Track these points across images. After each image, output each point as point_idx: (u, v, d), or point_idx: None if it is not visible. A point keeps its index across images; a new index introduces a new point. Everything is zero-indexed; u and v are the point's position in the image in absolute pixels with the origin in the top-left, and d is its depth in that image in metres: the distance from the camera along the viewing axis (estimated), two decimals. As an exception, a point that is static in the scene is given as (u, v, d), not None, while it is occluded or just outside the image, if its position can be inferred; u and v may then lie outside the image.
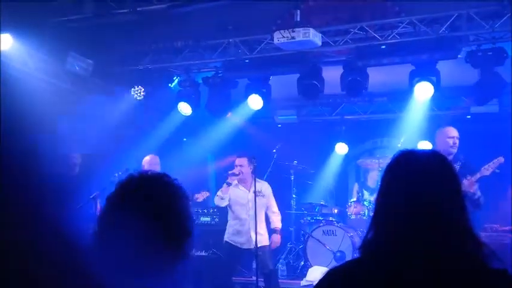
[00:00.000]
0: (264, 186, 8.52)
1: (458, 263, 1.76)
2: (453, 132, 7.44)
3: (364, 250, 1.93)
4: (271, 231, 8.56)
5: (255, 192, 7.93)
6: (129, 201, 1.95)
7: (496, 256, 1.80)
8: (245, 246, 8.42)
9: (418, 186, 1.88)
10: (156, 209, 1.92)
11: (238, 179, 8.40)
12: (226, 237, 8.56)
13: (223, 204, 8.42)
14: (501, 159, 7.00)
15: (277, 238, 8.51)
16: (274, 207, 8.64)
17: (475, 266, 1.78)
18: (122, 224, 1.84)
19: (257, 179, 8.31)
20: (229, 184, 8.35)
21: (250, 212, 8.17)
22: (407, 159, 1.99)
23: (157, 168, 8.41)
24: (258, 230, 8.08)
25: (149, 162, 8.53)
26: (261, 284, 9.06)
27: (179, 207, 2.00)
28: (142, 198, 1.95)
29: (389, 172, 1.99)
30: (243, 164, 8.34)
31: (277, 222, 8.56)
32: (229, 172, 8.40)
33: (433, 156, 2.00)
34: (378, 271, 1.79)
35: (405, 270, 1.76)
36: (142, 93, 9.79)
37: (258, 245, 7.97)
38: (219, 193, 8.44)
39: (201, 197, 8.76)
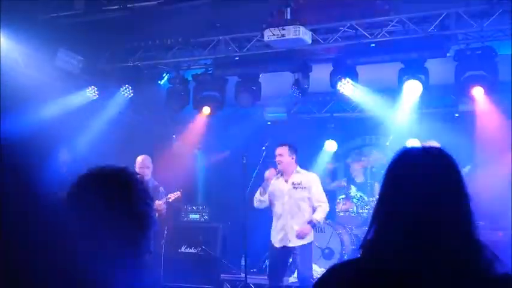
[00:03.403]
0: (306, 177, 7.83)
1: (460, 267, 1.73)
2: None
3: (365, 250, 1.87)
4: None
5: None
6: (87, 193, 1.95)
7: (499, 259, 1.76)
8: (282, 244, 7.72)
9: (420, 187, 1.82)
10: (113, 200, 1.92)
11: (280, 170, 7.79)
12: (270, 236, 7.90)
13: (263, 205, 7.88)
14: None
15: (306, 228, 7.64)
16: (319, 197, 7.81)
17: (477, 271, 1.74)
18: (79, 214, 1.85)
19: (300, 170, 7.86)
20: (266, 186, 7.82)
21: (286, 206, 7.70)
22: (409, 157, 1.93)
23: (149, 169, 8.38)
24: (293, 227, 7.65)
25: (141, 162, 8.45)
26: (250, 281, 9.09)
27: (136, 200, 2.00)
28: (100, 189, 1.95)
29: (391, 171, 1.92)
30: (282, 153, 7.71)
31: (316, 213, 7.70)
32: (266, 174, 7.87)
33: (437, 154, 1.92)
34: (379, 273, 1.76)
35: (406, 274, 1.72)
36: (130, 91, 9.79)
37: (293, 245, 7.62)
38: (257, 195, 7.91)
39: (172, 196, 8.72)
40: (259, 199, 7.87)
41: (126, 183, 2.01)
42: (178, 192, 8.83)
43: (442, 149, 1.96)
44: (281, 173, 7.85)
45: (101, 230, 1.77)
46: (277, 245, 7.78)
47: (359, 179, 11.15)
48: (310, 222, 7.75)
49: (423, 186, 1.83)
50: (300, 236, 7.69)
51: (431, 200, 1.81)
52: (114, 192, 1.96)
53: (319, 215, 7.80)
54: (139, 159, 8.46)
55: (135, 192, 2.00)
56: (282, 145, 7.83)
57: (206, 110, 10.12)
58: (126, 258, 1.89)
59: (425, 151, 1.96)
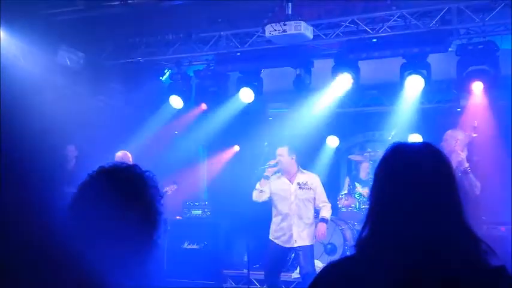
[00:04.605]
0: (310, 178, 7.90)
1: (456, 261, 1.73)
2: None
3: (360, 248, 1.88)
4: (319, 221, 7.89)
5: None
6: (98, 190, 1.95)
7: (494, 252, 1.77)
8: (287, 245, 7.77)
9: (411, 182, 1.84)
10: (125, 198, 1.92)
11: (281, 170, 7.87)
12: (270, 234, 7.91)
13: (263, 198, 7.83)
14: (475, 123, 7.28)
15: (323, 227, 7.78)
16: (323, 197, 7.90)
17: (473, 264, 1.75)
18: (90, 212, 1.85)
19: (303, 170, 7.90)
20: (267, 178, 7.85)
21: (293, 206, 7.72)
22: (399, 153, 1.94)
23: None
24: (300, 226, 7.71)
25: (121, 158, 8.45)
26: (253, 277, 9.09)
27: (148, 197, 2.01)
28: (112, 187, 1.96)
29: (381, 167, 1.94)
30: (282, 154, 7.75)
31: (324, 212, 7.83)
32: (267, 164, 7.92)
33: (426, 149, 1.95)
34: (375, 270, 1.76)
35: (402, 270, 1.73)
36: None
37: (299, 244, 7.64)
38: (257, 186, 7.87)
39: (169, 190, 8.76)
40: (260, 189, 7.84)
41: (139, 180, 2.02)
42: (175, 185, 8.87)
43: (429, 143, 1.99)
44: (281, 173, 7.87)
45: (112, 227, 1.78)
46: (280, 244, 7.79)
47: (365, 176, 11.14)
48: (323, 219, 7.82)
49: (415, 181, 1.85)
50: (320, 238, 7.88)
51: (424, 195, 1.82)
52: (127, 189, 1.96)
53: (328, 213, 7.89)
54: (119, 154, 8.46)
55: (148, 189, 2.02)
56: (281, 145, 7.86)
57: (208, 105, 10.13)
58: (138, 254, 1.90)
59: (415, 146, 2.00)
